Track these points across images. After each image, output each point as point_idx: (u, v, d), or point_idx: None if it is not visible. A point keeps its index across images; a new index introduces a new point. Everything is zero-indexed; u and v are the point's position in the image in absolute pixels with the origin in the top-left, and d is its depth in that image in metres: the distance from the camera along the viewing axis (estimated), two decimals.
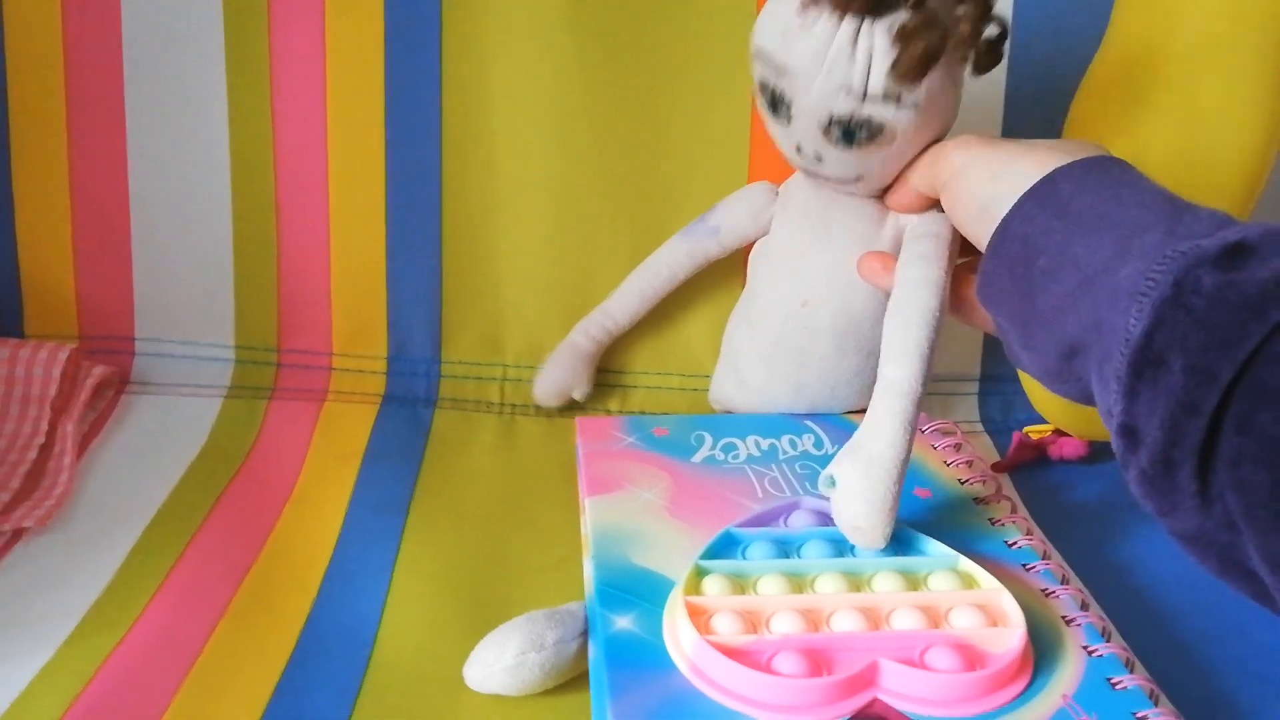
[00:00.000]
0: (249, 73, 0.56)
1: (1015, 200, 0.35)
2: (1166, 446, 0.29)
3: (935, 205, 0.44)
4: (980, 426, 0.56)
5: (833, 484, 0.38)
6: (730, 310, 0.52)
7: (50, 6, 0.55)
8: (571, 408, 0.56)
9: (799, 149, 0.42)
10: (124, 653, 0.39)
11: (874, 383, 0.47)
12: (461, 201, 0.57)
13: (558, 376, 0.54)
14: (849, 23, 0.38)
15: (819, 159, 0.42)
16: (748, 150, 0.55)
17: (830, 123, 0.40)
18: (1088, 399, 0.34)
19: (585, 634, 0.37)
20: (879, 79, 0.38)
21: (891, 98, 0.39)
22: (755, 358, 0.48)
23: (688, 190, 0.56)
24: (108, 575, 0.43)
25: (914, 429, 0.39)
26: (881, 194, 0.45)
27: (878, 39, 0.38)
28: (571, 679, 0.37)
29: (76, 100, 0.56)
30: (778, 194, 0.49)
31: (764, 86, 0.41)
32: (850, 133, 0.40)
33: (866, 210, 0.45)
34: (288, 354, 0.58)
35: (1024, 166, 0.36)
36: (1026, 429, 0.53)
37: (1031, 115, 0.54)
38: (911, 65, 0.38)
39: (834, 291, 0.46)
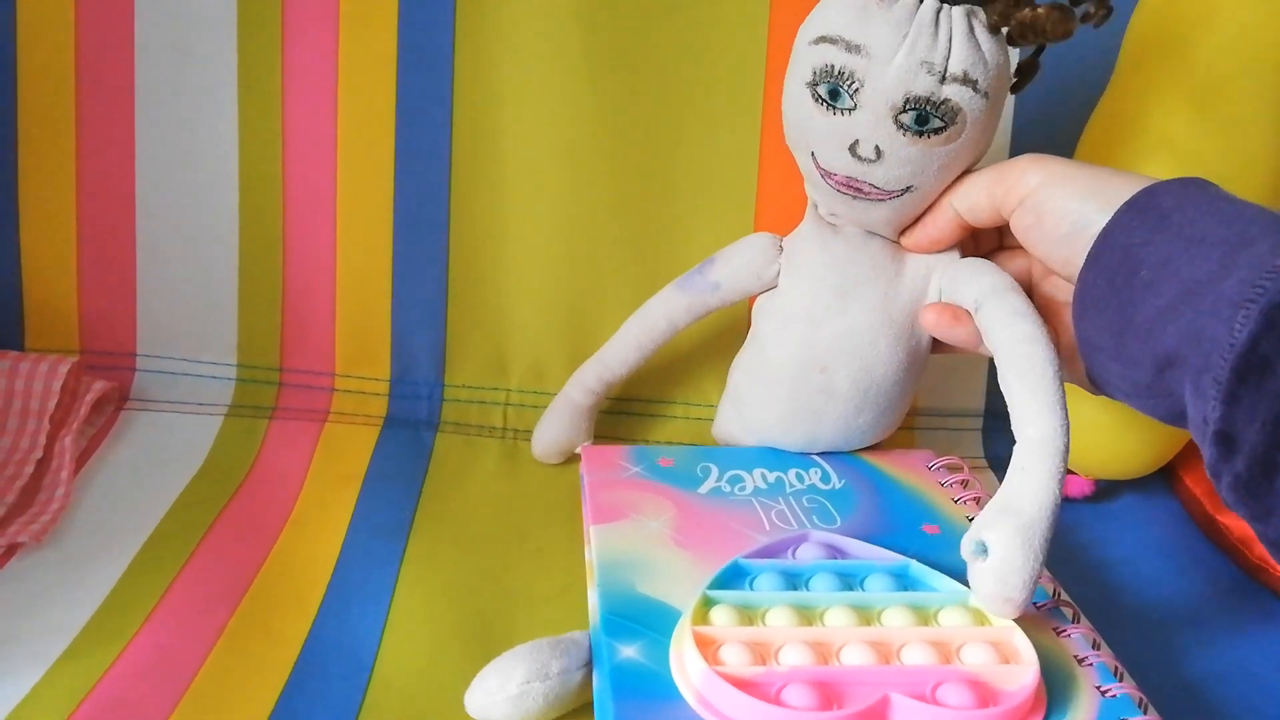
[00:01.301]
0: (260, 90, 0.56)
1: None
2: (1268, 449, 0.29)
3: (957, 245, 0.43)
4: (985, 463, 0.56)
5: (985, 552, 0.36)
6: (735, 340, 0.52)
7: (63, 22, 0.55)
8: None
9: (855, 146, 0.39)
10: (118, 672, 0.38)
11: (887, 428, 0.47)
12: (469, 225, 0.57)
13: (558, 435, 0.52)
14: (930, 2, 0.38)
15: (877, 155, 0.39)
16: (755, 182, 0.55)
17: (905, 105, 0.38)
18: (1175, 416, 0.34)
19: (589, 664, 0.37)
20: (960, 58, 0.38)
21: (970, 81, 0.38)
22: (764, 411, 0.47)
23: (695, 219, 0.56)
24: (103, 593, 0.42)
25: (1062, 481, 0.37)
26: (897, 244, 0.44)
27: (956, 20, 0.38)
28: (575, 709, 0.37)
29: (86, 112, 0.56)
30: (782, 248, 0.46)
31: (828, 72, 0.39)
32: (924, 116, 0.38)
33: (882, 267, 0.43)
34: (290, 374, 0.57)
35: (1116, 184, 0.36)
36: None
37: None
38: (1005, 8, 0.38)
39: (853, 357, 0.44)
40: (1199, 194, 0.34)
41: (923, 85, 0.38)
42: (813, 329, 0.44)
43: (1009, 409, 0.39)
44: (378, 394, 0.57)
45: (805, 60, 0.40)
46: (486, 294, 0.57)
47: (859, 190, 0.41)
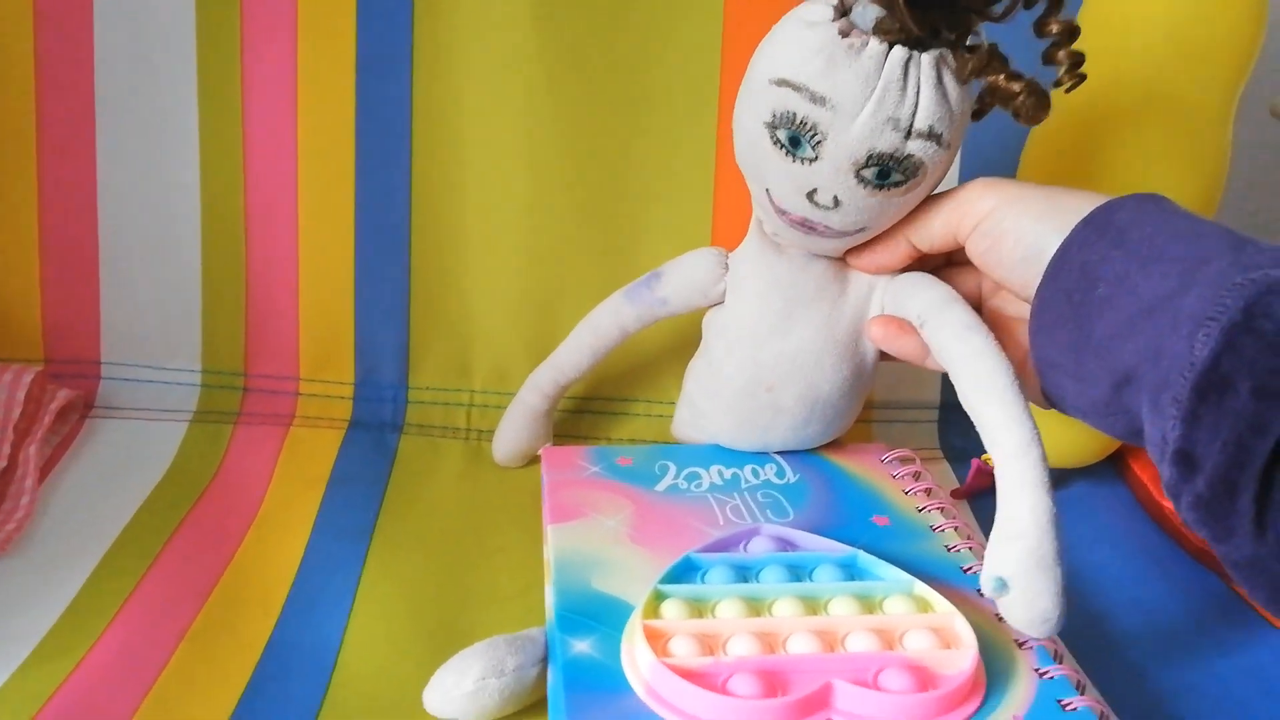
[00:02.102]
0: (220, 98, 0.56)
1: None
2: (1229, 469, 0.29)
3: (912, 264, 0.43)
4: (940, 453, 0.57)
5: (1005, 586, 0.36)
6: (695, 338, 0.52)
7: (23, 30, 0.56)
8: None
9: (813, 194, 0.38)
10: (80, 677, 0.38)
11: (838, 432, 0.48)
12: (430, 228, 0.57)
13: (517, 440, 0.53)
14: (899, 52, 0.35)
15: (835, 204, 0.38)
16: (712, 185, 0.56)
17: (868, 161, 0.37)
18: (1131, 434, 0.34)
19: (545, 660, 0.37)
20: (926, 114, 0.36)
21: (934, 136, 0.36)
22: (715, 421, 0.48)
23: (654, 219, 0.57)
24: (66, 599, 0.43)
25: (1051, 485, 0.36)
26: (841, 261, 0.44)
27: (925, 71, 0.36)
28: (531, 704, 0.37)
29: (47, 122, 0.56)
30: (727, 265, 0.46)
31: (789, 119, 0.37)
32: (887, 172, 0.37)
33: (825, 287, 0.43)
34: (254, 379, 0.58)
35: (1071, 203, 0.36)
36: (984, 456, 0.53)
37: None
38: (979, 64, 0.36)
39: (798, 376, 0.44)
40: (1155, 210, 0.34)
41: (887, 142, 0.36)
42: (758, 348, 0.45)
43: (979, 429, 0.38)
44: (342, 397, 0.58)
45: (764, 99, 0.37)
46: (449, 296, 0.58)
47: (812, 228, 0.40)
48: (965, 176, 0.55)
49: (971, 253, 0.39)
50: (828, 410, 0.46)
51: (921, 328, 0.41)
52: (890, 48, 0.36)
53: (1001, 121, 0.54)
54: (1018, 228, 0.37)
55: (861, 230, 0.40)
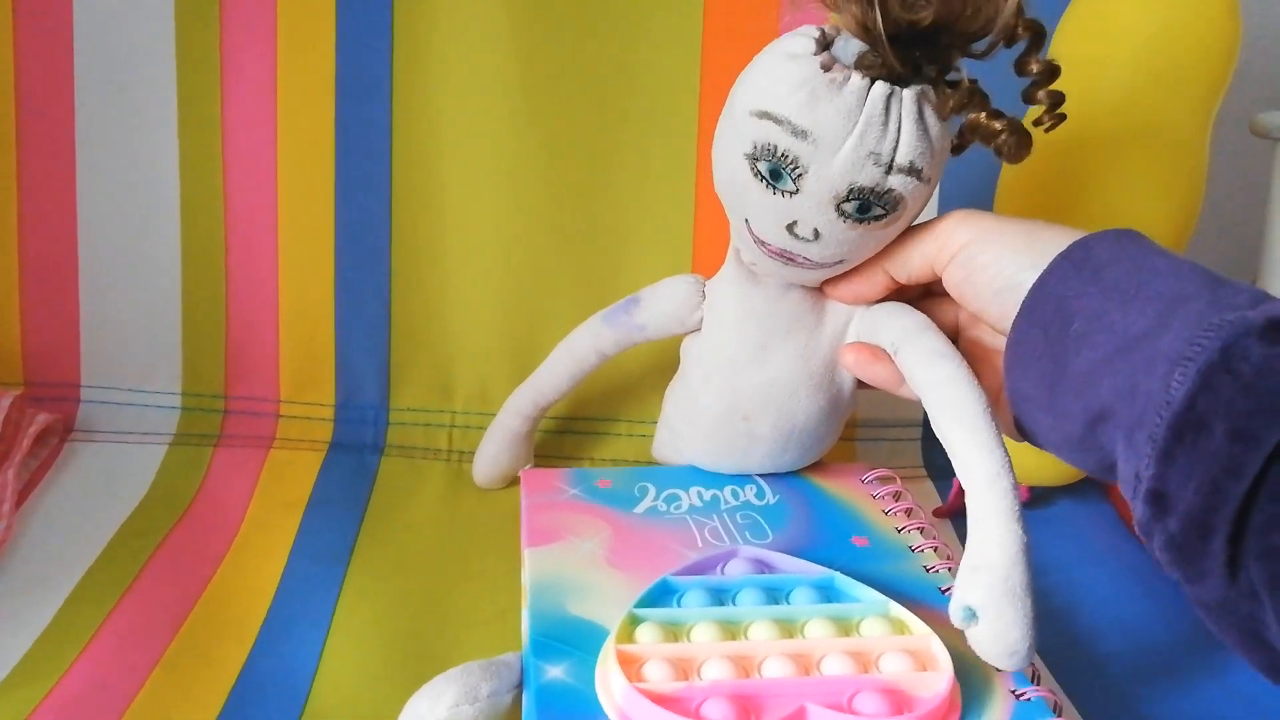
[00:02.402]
0: (200, 120, 0.56)
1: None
2: (1204, 511, 0.28)
3: (890, 295, 0.42)
4: (923, 472, 0.57)
5: (974, 616, 0.35)
6: (677, 359, 0.52)
7: (2, 56, 0.56)
8: None
9: (792, 226, 0.38)
10: (52, 704, 0.38)
11: (817, 456, 0.47)
12: (410, 249, 0.57)
13: (498, 462, 0.53)
14: (880, 88, 0.35)
15: (815, 237, 0.38)
16: (693, 205, 0.56)
17: (849, 195, 0.37)
18: (1104, 470, 0.34)
19: (520, 686, 0.37)
20: (907, 149, 0.36)
21: (915, 171, 0.36)
22: (693, 445, 0.48)
23: (635, 240, 0.57)
24: (40, 626, 0.42)
25: (1022, 515, 0.36)
26: (818, 291, 0.43)
27: (907, 106, 0.36)
28: None
29: (26, 145, 0.56)
30: (704, 293, 0.46)
31: (770, 152, 0.36)
32: (867, 206, 0.37)
33: (802, 318, 0.43)
34: (235, 401, 0.58)
35: (1047, 238, 0.36)
36: None
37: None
38: (960, 100, 0.36)
39: (773, 406, 0.44)
40: (1133, 247, 0.34)
41: (868, 176, 0.36)
42: (734, 377, 0.44)
43: (950, 456, 0.38)
44: (323, 419, 0.58)
45: (745, 131, 0.37)
46: (430, 317, 0.58)
47: (791, 260, 0.40)
48: (944, 206, 0.55)
49: (948, 284, 0.39)
50: (805, 438, 0.45)
51: (894, 355, 0.41)
52: (872, 83, 0.36)
53: (980, 151, 0.55)
54: (995, 261, 0.37)
55: (840, 262, 0.40)
